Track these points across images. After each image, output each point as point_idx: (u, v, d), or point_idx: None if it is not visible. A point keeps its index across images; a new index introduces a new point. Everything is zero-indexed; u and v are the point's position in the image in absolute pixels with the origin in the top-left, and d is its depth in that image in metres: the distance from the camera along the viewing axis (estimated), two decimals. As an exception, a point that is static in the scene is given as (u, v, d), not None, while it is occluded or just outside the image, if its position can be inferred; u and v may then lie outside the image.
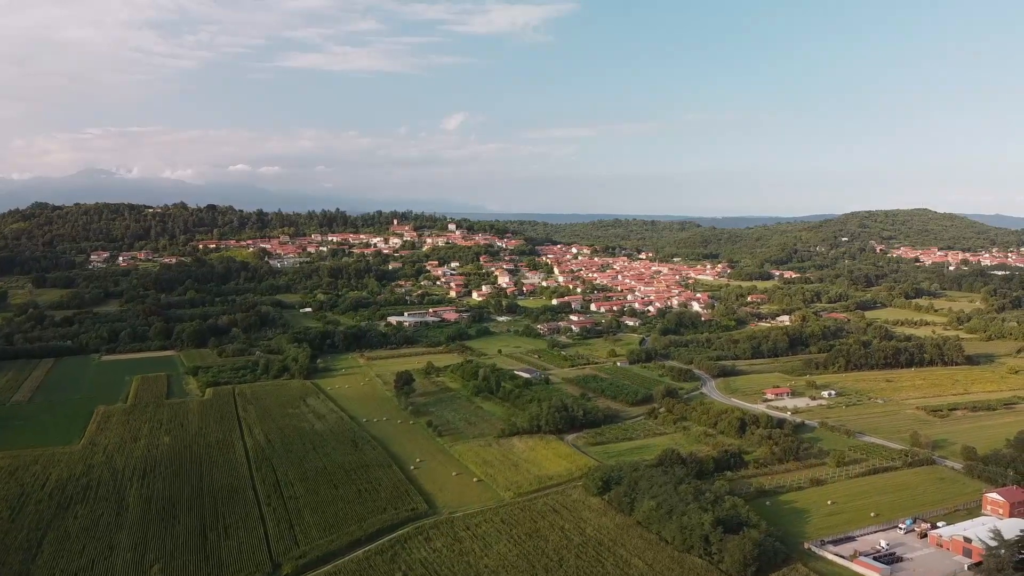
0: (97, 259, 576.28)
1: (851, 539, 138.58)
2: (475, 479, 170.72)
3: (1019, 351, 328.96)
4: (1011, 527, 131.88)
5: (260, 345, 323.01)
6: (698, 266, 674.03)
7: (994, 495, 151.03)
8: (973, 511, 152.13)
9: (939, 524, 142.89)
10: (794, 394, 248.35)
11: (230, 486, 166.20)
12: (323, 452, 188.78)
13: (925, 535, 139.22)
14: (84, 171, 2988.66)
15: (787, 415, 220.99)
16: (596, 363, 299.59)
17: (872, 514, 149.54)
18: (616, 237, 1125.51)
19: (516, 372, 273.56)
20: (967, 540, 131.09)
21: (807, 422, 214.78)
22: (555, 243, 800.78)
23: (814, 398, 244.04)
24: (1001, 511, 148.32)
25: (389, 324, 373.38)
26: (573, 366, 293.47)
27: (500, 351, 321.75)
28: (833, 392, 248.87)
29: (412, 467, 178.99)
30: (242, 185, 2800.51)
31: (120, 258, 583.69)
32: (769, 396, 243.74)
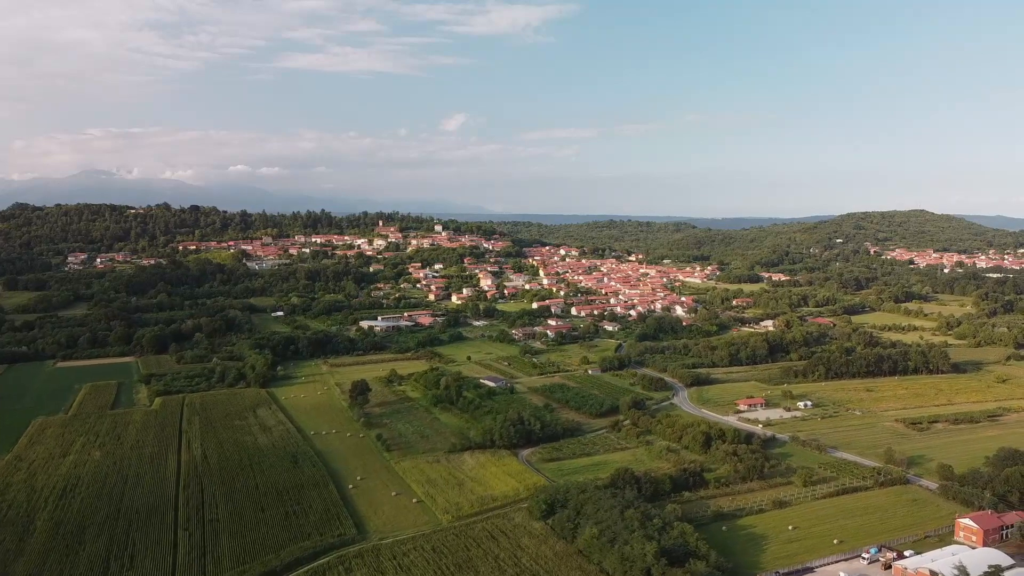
0: (74, 261, 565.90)
1: (809, 571, 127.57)
2: (415, 500, 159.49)
3: (1008, 358, 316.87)
4: (980, 560, 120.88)
5: (222, 351, 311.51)
6: (687, 268, 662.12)
7: (966, 521, 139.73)
8: (945, 537, 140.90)
9: (907, 553, 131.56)
10: (768, 405, 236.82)
11: (151, 507, 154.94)
12: (259, 469, 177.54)
13: (890, 566, 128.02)
14: (84, 172, 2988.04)
15: (758, 428, 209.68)
16: (567, 371, 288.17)
17: (836, 541, 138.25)
18: (610, 238, 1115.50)
19: (482, 380, 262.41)
20: (933, 574, 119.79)
21: (778, 436, 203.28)
22: (544, 244, 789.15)
23: (789, 409, 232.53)
24: (974, 538, 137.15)
25: (360, 329, 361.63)
26: (542, 374, 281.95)
27: (469, 358, 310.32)
28: (809, 403, 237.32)
29: (351, 486, 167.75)
30: (242, 186, 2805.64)
31: (98, 260, 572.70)
32: (742, 407, 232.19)
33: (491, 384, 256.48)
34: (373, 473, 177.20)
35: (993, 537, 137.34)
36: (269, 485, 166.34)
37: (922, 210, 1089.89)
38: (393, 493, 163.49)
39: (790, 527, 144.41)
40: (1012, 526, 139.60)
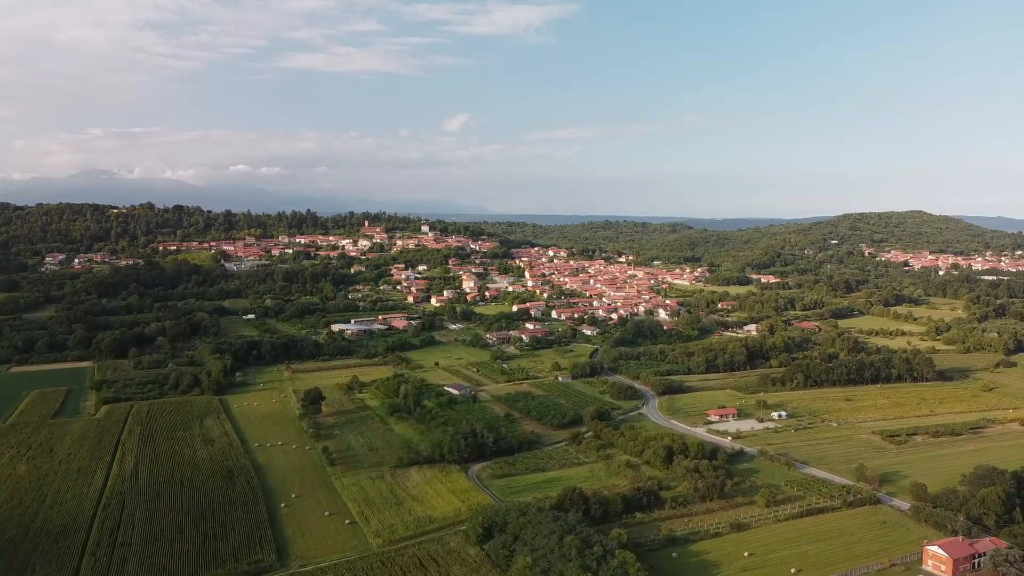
0: (51, 261, 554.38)
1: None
2: (347, 521, 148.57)
3: (997, 365, 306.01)
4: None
5: (182, 356, 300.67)
6: (677, 270, 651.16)
7: (935, 548, 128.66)
8: (912, 566, 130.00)
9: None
10: (741, 415, 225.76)
11: (62, 528, 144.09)
12: (191, 485, 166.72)
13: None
14: (85, 172, 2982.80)
15: (726, 441, 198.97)
16: (536, 378, 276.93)
17: (793, 570, 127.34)
18: (605, 239, 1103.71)
19: (445, 388, 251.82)
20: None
21: (746, 449, 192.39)
22: (535, 245, 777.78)
23: (762, 420, 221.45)
24: (943, 568, 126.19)
25: (330, 333, 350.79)
26: (510, 381, 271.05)
27: (437, 363, 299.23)
28: (784, 413, 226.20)
29: (283, 505, 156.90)
30: (242, 186, 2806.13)
31: (76, 260, 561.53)
32: (712, 418, 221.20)
33: (454, 392, 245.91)
34: (310, 490, 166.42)
35: (964, 566, 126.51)
36: (195, 504, 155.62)
37: (920, 211, 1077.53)
38: (326, 513, 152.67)
39: (746, 553, 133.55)
40: (984, 554, 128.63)
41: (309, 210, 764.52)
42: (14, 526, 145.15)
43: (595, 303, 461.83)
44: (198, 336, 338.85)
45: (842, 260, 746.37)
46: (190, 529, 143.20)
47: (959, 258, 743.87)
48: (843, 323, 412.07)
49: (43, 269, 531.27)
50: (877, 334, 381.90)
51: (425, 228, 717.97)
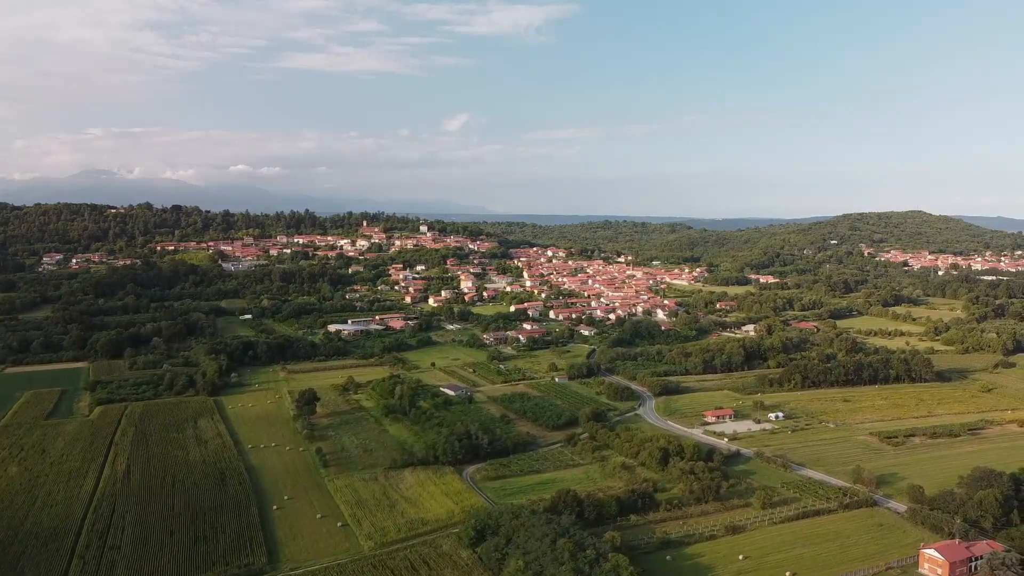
0: (49, 261, 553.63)
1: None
2: (339, 523, 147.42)
3: (996, 366, 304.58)
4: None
5: (178, 357, 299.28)
6: (675, 270, 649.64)
7: (931, 552, 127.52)
8: (908, 569, 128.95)
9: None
10: (738, 416, 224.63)
11: (52, 531, 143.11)
12: (182, 488, 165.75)
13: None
14: (85, 172, 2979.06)
15: (723, 442, 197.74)
16: (533, 379, 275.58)
17: (788, 573, 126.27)
18: (604, 239, 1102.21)
19: (441, 389, 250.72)
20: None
21: (742, 451, 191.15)
22: (534, 245, 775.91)
23: (759, 421, 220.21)
24: (940, 571, 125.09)
25: (326, 333, 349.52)
26: (506, 382, 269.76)
27: (433, 364, 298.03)
28: (781, 414, 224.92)
29: (276, 507, 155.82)
30: (242, 186, 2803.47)
31: (73, 260, 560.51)
32: (709, 419, 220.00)
33: (450, 393, 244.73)
34: (303, 492, 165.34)
35: (961, 570, 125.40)
36: (187, 506, 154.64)
37: (919, 211, 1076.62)
38: (318, 515, 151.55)
39: (741, 556, 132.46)
40: (981, 558, 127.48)
41: (308, 210, 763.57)
42: (3, 528, 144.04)
43: (593, 303, 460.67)
44: (194, 336, 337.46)
45: (841, 260, 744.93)
46: (181, 531, 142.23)
47: (959, 258, 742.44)
48: (842, 323, 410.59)
49: (40, 269, 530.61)
50: (875, 334, 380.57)
51: (424, 228, 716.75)
